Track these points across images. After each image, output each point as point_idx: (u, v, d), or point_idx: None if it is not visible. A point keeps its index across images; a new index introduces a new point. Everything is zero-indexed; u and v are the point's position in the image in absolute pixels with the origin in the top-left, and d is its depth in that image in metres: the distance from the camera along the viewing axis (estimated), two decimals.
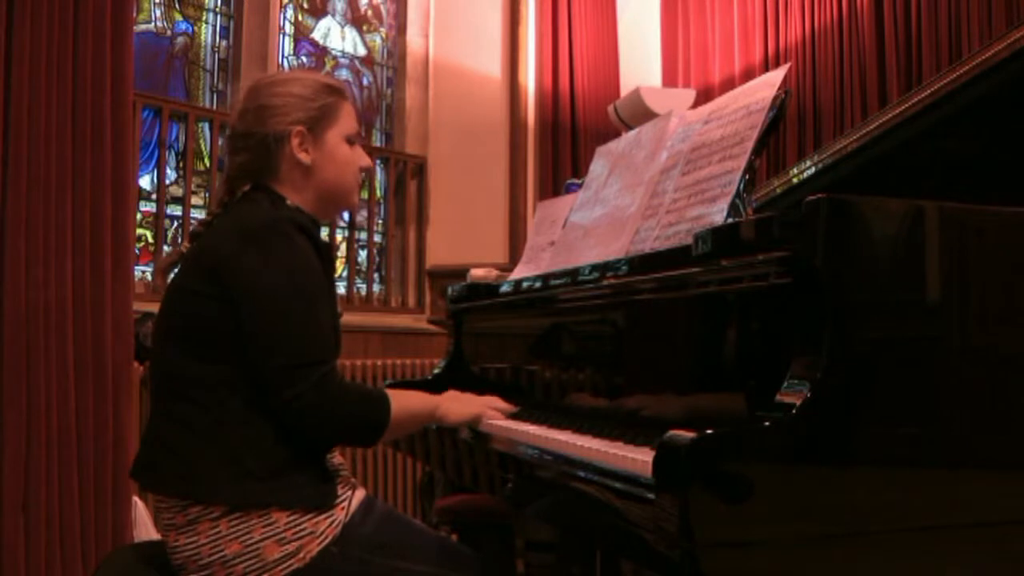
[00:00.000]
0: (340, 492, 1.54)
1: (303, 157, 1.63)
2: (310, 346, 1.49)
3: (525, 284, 1.95)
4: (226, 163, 1.69)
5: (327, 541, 1.48)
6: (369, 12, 4.83)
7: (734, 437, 1.04)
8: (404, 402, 1.60)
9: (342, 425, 1.53)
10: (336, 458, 1.63)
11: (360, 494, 1.58)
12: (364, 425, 1.55)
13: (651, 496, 1.07)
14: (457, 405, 1.74)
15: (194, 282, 1.54)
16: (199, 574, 1.47)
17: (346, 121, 1.68)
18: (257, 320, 1.48)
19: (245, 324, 1.48)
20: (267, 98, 1.63)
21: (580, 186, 2.20)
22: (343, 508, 1.52)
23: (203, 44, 4.10)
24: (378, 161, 4.61)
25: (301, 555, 1.45)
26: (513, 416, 1.76)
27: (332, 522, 1.49)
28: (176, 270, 1.64)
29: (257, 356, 1.48)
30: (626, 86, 5.04)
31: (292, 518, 1.46)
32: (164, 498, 1.51)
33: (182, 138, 3.84)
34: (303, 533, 1.46)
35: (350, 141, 1.69)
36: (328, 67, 4.60)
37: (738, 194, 1.47)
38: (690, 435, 1.02)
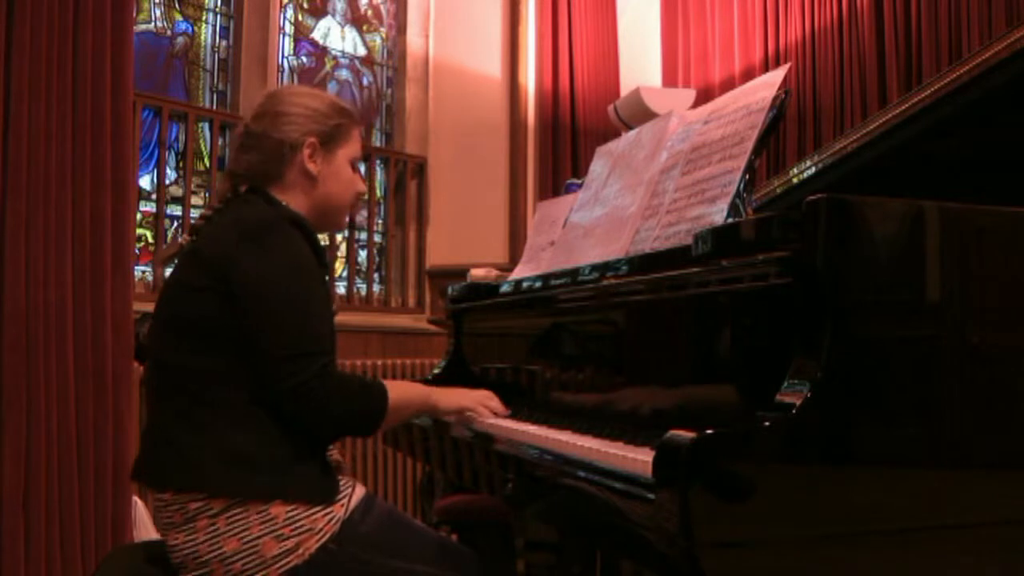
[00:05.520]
0: (341, 488, 1.54)
1: (311, 168, 1.68)
2: (310, 336, 1.52)
3: (525, 284, 1.95)
4: (232, 159, 1.74)
5: (325, 538, 1.48)
6: (369, 12, 4.83)
7: (734, 437, 1.04)
8: (400, 391, 1.64)
9: (343, 415, 1.55)
10: (335, 455, 1.64)
11: (360, 492, 1.58)
12: (364, 414, 1.57)
13: (651, 496, 1.07)
14: (450, 396, 1.78)
15: (194, 278, 1.56)
16: (198, 572, 1.47)
17: (354, 145, 1.76)
18: (258, 312, 1.51)
19: (246, 317, 1.51)
20: (288, 106, 1.69)
21: (580, 186, 2.21)
22: (342, 505, 1.52)
23: (203, 44, 4.10)
24: (378, 161, 4.61)
25: (300, 552, 1.46)
26: (513, 416, 1.76)
27: (331, 519, 1.50)
28: (174, 265, 1.66)
29: (258, 347, 1.50)
30: (626, 86, 5.04)
31: (291, 514, 1.46)
32: (163, 496, 1.52)
33: (182, 138, 3.84)
34: (301, 530, 1.47)
35: (353, 166, 1.76)
36: (328, 67, 4.60)
37: (738, 194, 1.47)
38: (690, 435, 1.02)
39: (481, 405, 1.78)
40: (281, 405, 1.50)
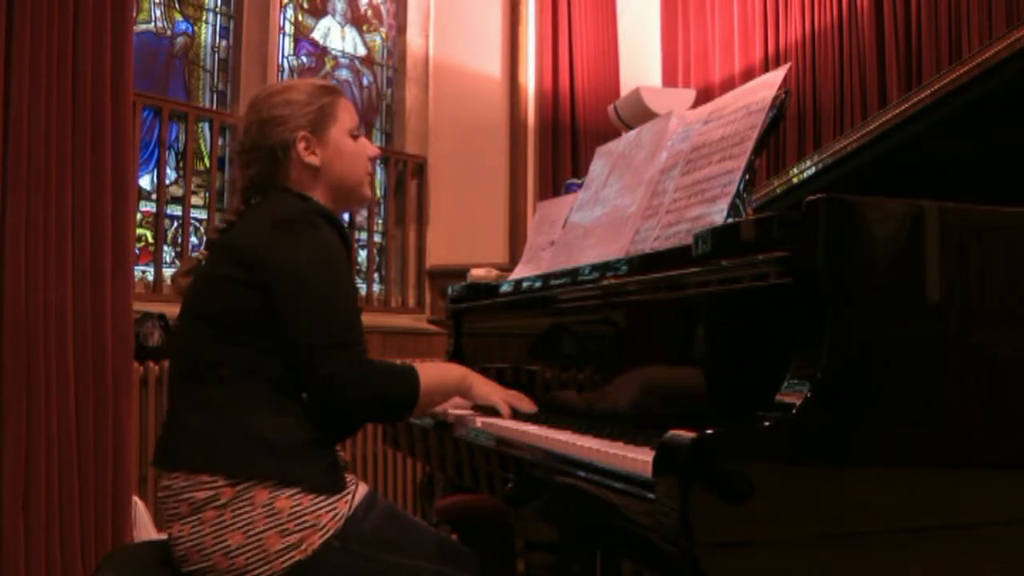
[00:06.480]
0: (346, 484, 1.56)
1: (311, 159, 1.70)
2: (346, 326, 1.55)
3: (525, 284, 1.95)
4: (237, 177, 1.77)
5: (329, 534, 1.48)
6: (369, 12, 4.83)
7: (734, 437, 1.04)
8: (431, 375, 1.64)
9: (377, 401, 1.56)
10: (341, 455, 1.64)
11: (363, 489, 1.59)
12: (397, 400, 1.59)
13: (651, 496, 1.07)
14: (485, 386, 1.76)
15: (226, 270, 1.58)
16: (200, 565, 1.48)
17: (345, 117, 1.75)
18: (294, 304, 1.53)
19: (281, 308, 1.53)
20: (267, 111, 1.70)
21: (580, 186, 2.20)
22: (346, 502, 1.53)
23: (203, 44, 4.10)
24: (378, 161, 4.61)
25: (303, 547, 1.46)
26: (514, 416, 1.76)
27: (335, 515, 1.50)
28: (205, 262, 1.67)
29: (294, 337, 1.52)
30: (626, 86, 5.04)
31: (296, 509, 1.47)
32: (172, 482, 1.52)
33: (182, 138, 3.85)
34: (305, 525, 1.47)
35: (353, 135, 1.76)
36: (328, 67, 4.60)
37: (738, 194, 1.47)
38: (690, 435, 1.02)
39: (508, 405, 1.74)
40: (315, 394, 1.53)
